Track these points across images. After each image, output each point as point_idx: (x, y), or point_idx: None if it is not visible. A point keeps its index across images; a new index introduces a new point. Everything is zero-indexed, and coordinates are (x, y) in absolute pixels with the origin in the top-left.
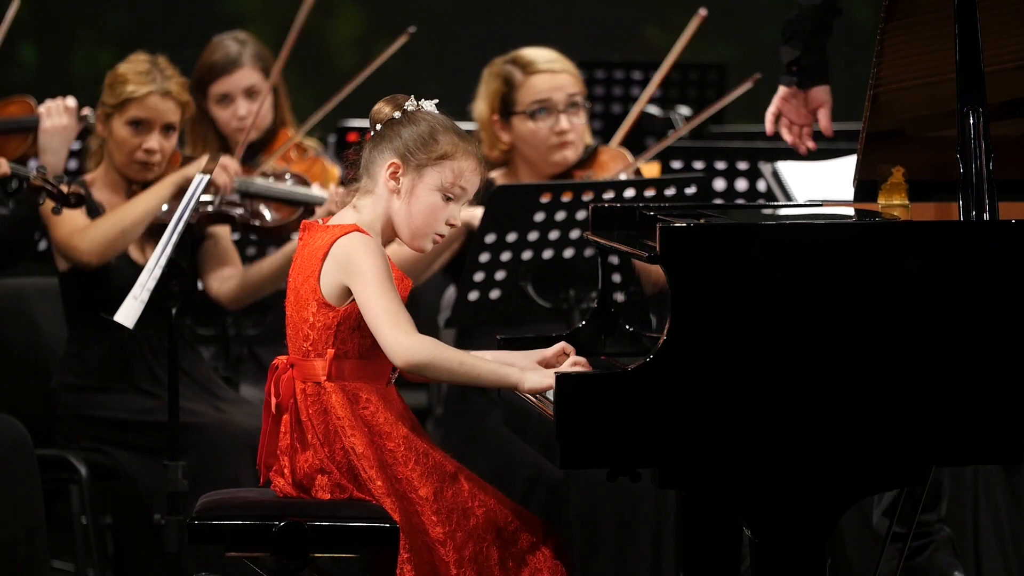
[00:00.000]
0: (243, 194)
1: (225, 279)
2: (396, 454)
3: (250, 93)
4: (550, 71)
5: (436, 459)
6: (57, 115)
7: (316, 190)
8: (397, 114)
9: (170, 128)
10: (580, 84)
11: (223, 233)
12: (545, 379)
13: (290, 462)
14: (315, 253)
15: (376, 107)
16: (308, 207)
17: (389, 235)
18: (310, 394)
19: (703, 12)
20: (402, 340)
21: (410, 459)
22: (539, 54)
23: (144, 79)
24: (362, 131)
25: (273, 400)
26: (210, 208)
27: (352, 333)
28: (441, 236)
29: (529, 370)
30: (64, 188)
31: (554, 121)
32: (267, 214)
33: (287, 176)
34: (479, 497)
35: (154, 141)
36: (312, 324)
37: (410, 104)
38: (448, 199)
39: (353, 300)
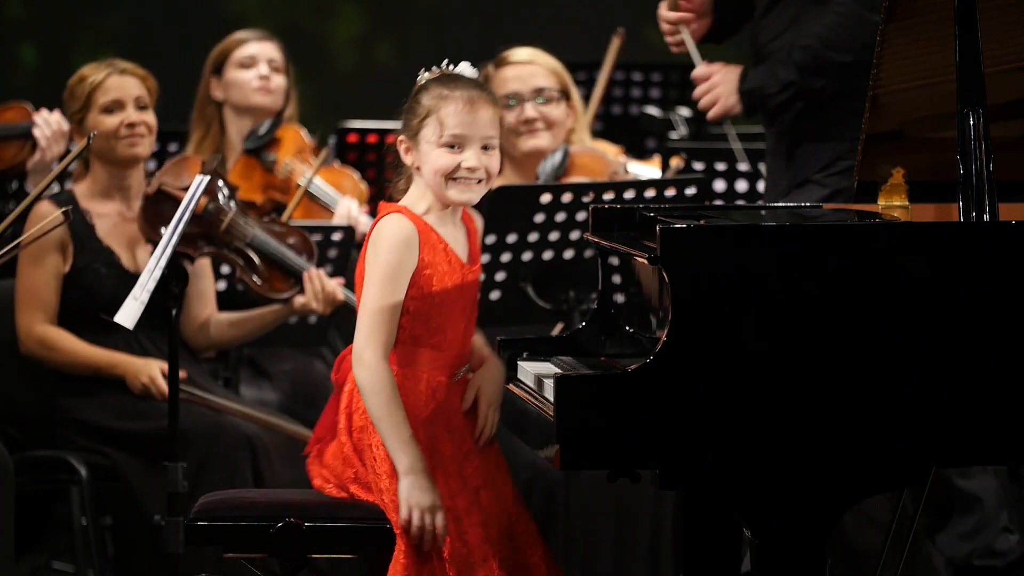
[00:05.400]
0: (253, 247)
1: (200, 327)
2: (440, 439)
3: (272, 66)
4: (518, 63)
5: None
6: (56, 142)
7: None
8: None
9: (142, 104)
10: (555, 78)
11: (207, 272)
12: (416, 497)
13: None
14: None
15: None
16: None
17: (438, 205)
18: None
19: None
20: (366, 355)
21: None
22: (516, 50)
23: (97, 68)
24: (362, 131)
25: (334, 376)
26: (213, 248)
27: (409, 318)
28: (477, 182)
29: (411, 475)
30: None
31: (520, 111)
32: (261, 280)
33: (292, 241)
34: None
35: (132, 115)
36: None
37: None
38: (452, 148)
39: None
